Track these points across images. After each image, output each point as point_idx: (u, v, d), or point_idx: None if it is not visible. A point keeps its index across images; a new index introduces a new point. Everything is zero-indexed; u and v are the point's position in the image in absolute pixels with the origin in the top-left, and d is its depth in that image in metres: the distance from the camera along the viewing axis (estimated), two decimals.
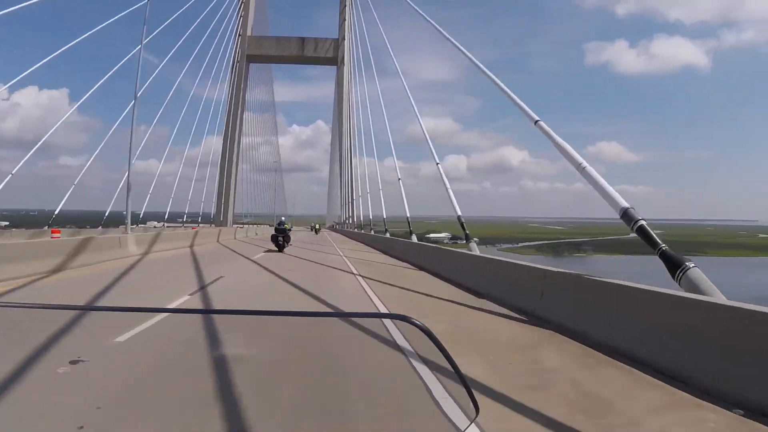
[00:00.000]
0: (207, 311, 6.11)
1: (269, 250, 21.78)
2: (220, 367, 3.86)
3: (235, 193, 54.75)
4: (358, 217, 42.66)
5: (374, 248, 26.04)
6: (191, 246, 24.04)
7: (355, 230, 42.12)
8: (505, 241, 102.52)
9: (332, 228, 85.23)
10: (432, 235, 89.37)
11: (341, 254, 21.59)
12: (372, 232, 34.67)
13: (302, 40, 55.80)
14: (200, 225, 44.51)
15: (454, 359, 1.21)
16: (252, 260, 17.80)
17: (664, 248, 6.77)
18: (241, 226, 52.51)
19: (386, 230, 28.11)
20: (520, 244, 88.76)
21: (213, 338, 4.21)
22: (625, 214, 7.66)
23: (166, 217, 42.54)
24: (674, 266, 6.39)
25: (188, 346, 4.11)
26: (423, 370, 4.04)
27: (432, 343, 1.20)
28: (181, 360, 3.90)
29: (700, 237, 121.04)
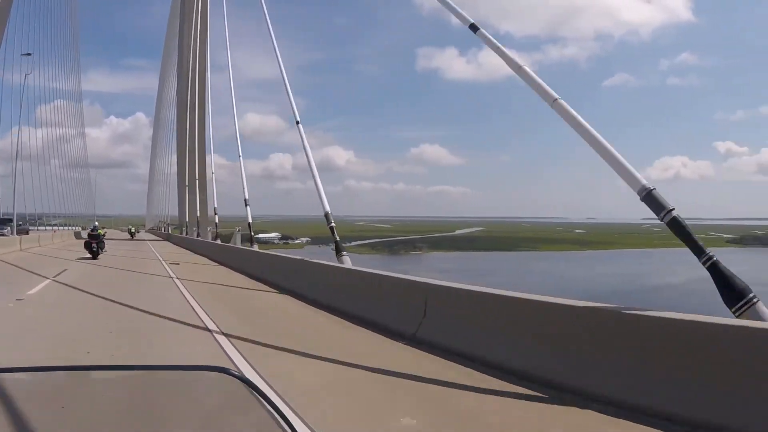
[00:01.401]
0: None
1: (82, 258, 21.92)
2: None
3: None
4: (212, 217, 35.92)
5: (191, 251, 27.40)
6: None
7: (198, 238, 32.74)
8: None
9: (156, 231, 66.80)
10: (262, 235, 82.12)
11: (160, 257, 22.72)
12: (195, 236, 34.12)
13: None
14: None
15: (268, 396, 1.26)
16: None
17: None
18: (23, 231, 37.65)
19: (200, 233, 29.27)
20: (353, 243, 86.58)
21: None
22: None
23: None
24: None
25: None
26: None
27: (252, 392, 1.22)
28: None
29: (520, 233, 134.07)
